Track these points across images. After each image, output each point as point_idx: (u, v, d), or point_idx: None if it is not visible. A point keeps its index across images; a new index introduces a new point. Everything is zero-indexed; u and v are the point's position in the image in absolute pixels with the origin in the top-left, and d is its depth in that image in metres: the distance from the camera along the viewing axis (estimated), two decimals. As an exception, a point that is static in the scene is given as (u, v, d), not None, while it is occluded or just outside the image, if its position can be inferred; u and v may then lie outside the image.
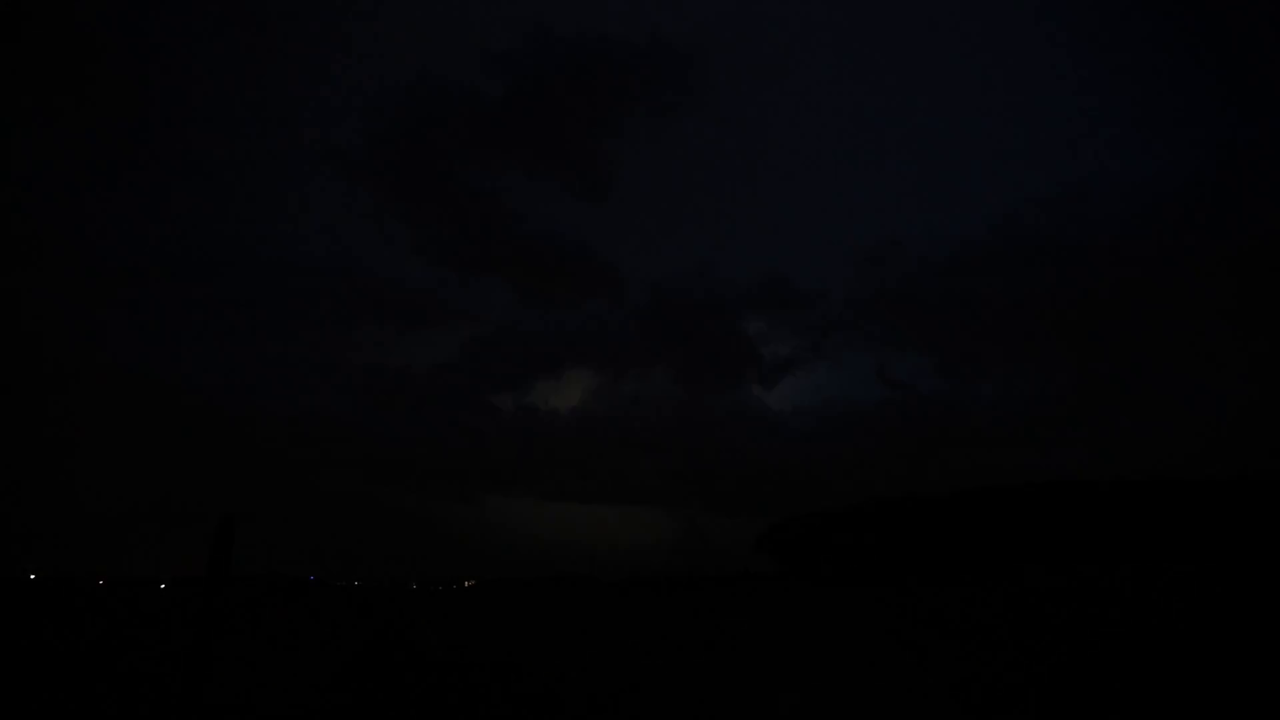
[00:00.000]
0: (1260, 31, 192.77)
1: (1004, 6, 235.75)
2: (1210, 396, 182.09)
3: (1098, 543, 55.51)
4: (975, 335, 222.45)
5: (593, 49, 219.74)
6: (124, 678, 9.66)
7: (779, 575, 79.12)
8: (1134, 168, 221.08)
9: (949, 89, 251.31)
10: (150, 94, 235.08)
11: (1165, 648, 11.50)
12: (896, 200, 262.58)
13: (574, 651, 13.26)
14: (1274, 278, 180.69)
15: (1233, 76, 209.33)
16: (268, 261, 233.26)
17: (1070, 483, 66.45)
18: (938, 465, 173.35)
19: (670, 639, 15.11)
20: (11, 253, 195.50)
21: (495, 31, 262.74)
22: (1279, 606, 17.78)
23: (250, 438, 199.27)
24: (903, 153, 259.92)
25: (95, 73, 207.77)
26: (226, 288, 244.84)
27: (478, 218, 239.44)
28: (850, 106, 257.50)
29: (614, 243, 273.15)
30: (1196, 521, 53.00)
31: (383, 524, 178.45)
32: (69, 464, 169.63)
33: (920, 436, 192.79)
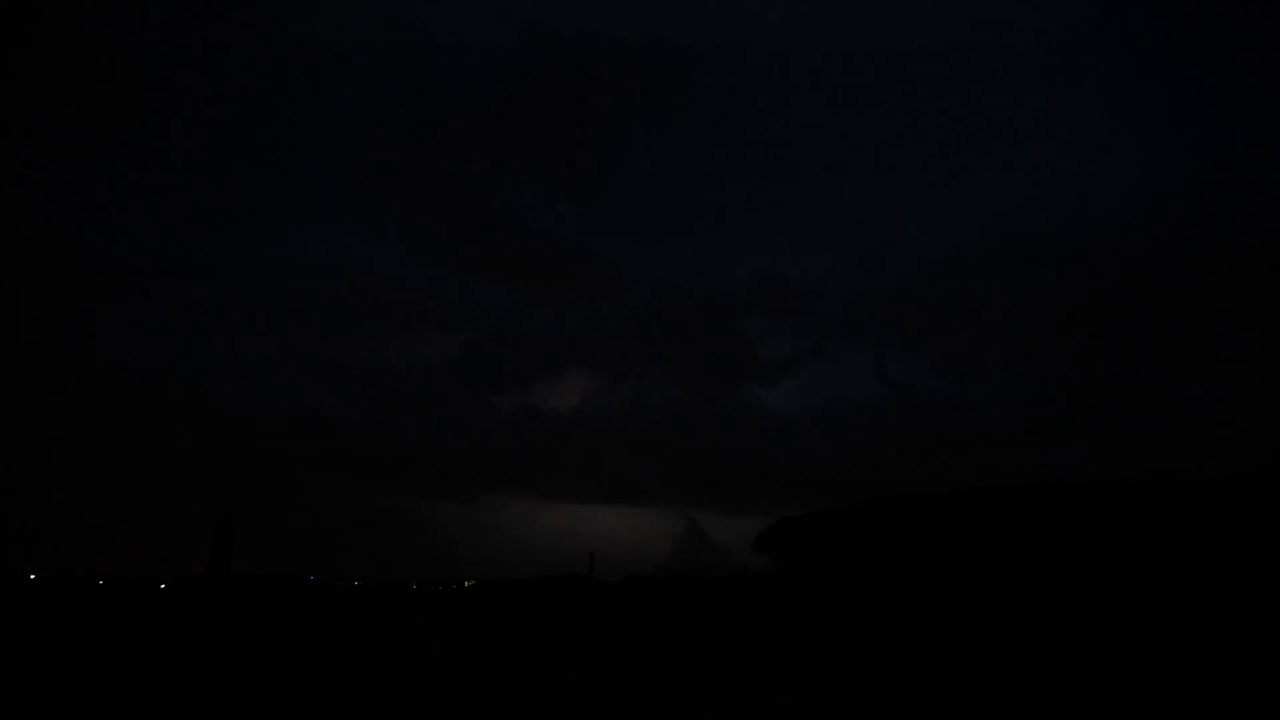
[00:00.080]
0: (1259, 32, 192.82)
1: (1003, 7, 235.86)
2: (1210, 396, 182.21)
3: (1098, 543, 55.49)
4: (975, 335, 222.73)
5: (592, 49, 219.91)
6: (124, 678, 9.66)
7: (779, 575, 79.12)
8: (1133, 168, 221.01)
9: (949, 89, 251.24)
10: (150, 94, 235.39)
11: (1165, 648, 11.50)
12: (896, 200, 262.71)
13: (574, 651, 13.26)
14: (1273, 278, 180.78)
15: (1231, 77, 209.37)
16: (268, 261, 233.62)
17: (1070, 483, 66.48)
18: (938, 465, 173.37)
19: (670, 639, 15.10)
20: (12, 253, 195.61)
21: (495, 32, 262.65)
22: (1279, 606, 17.78)
23: (250, 438, 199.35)
24: (902, 153, 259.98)
25: (96, 74, 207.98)
26: (226, 288, 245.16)
27: (478, 218, 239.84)
28: (850, 106, 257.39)
29: (614, 243, 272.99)
30: (1196, 521, 52.98)
31: (383, 524, 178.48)
32: (69, 464, 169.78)
33: (920, 436, 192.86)
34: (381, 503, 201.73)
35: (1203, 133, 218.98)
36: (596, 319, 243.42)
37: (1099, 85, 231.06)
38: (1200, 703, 7.57)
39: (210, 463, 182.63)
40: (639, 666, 11.02)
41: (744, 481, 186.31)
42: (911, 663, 10.77)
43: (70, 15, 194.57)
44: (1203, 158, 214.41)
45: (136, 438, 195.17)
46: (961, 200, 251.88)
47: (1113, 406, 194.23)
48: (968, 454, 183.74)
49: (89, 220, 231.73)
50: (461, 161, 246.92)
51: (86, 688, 8.88)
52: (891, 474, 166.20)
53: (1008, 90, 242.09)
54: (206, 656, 6.72)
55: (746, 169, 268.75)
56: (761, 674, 10.10)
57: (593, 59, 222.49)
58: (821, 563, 74.26)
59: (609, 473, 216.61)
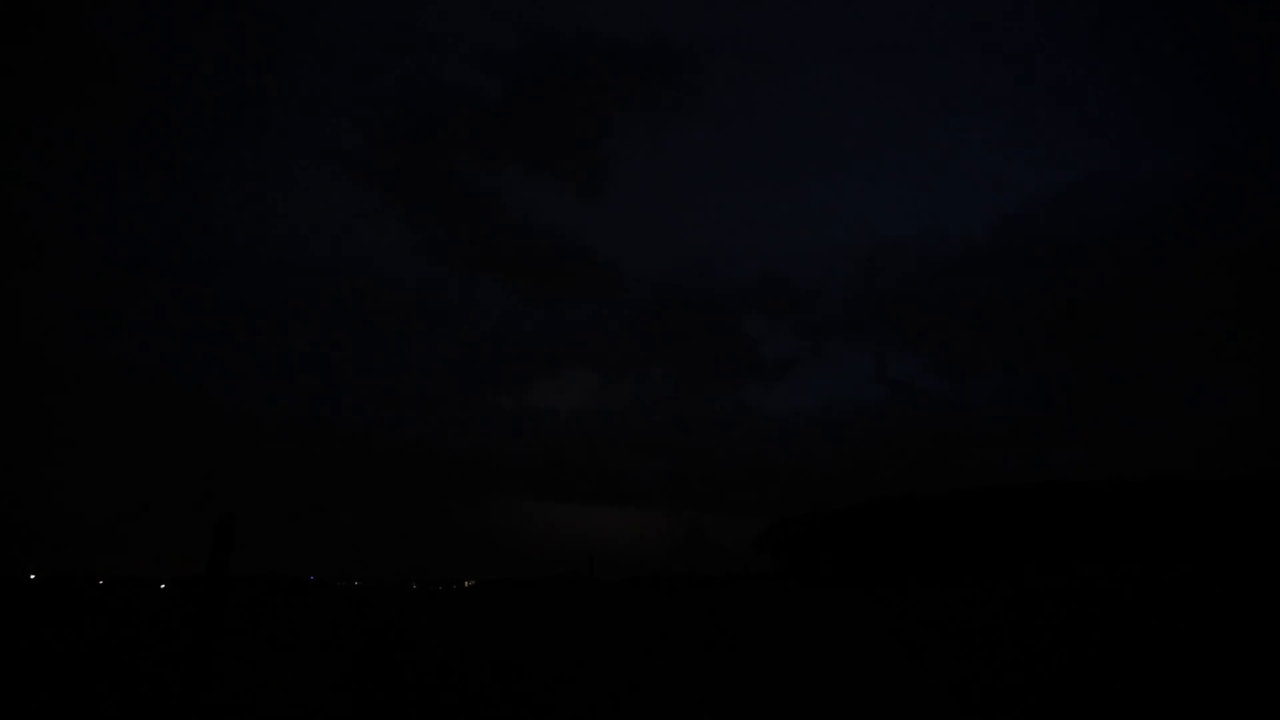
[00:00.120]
0: (1258, 34, 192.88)
1: (1003, 7, 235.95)
2: (1210, 396, 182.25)
3: (1098, 543, 55.51)
4: (975, 335, 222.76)
5: (592, 49, 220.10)
6: (124, 678, 9.66)
7: (779, 575, 79.13)
8: (1133, 168, 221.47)
9: (949, 89, 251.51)
10: (150, 94, 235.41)
11: (1165, 648, 11.50)
12: (896, 200, 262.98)
13: (574, 651, 13.26)
14: (1273, 278, 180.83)
15: (1231, 78, 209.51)
16: (268, 261, 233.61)
17: (1070, 483, 66.48)
18: (938, 465, 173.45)
19: (670, 639, 15.10)
20: (12, 253, 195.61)
21: (495, 31, 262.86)
22: (1279, 606, 17.78)
23: (250, 438, 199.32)
24: (902, 153, 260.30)
25: (96, 74, 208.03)
26: (227, 288, 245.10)
27: (478, 217, 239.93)
28: (850, 106, 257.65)
29: (614, 242, 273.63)
30: (1196, 521, 53.00)
31: (383, 524, 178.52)
32: (69, 464, 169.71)
33: (920, 436, 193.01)
34: (382, 503, 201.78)
35: (1203, 133, 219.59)
36: (596, 319, 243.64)
37: (1099, 86, 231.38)
38: (1200, 702, 7.57)
39: (210, 463, 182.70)
40: (639, 666, 11.02)
41: (744, 481, 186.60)
42: (911, 663, 10.77)
43: (70, 15, 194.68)
44: (1203, 158, 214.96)
45: (136, 438, 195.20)
46: (962, 200, 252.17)
47: (1113, 406, 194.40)
48: (968, 454, 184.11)
49: (89, 220, 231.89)
50: (461, 161, 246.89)
51: (86, 688, 8.88)
52: (891, 474, 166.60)
53: (1009, 90, 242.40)
54: (206, 656, 6.72)
55: (746, 169, 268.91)
56: (761, 674, 10.10)
57: (593, 59, 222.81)
58: (821, 563, 74.27)
59: (609, 473, 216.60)
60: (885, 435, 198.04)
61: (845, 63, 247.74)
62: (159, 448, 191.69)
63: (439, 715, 7.66)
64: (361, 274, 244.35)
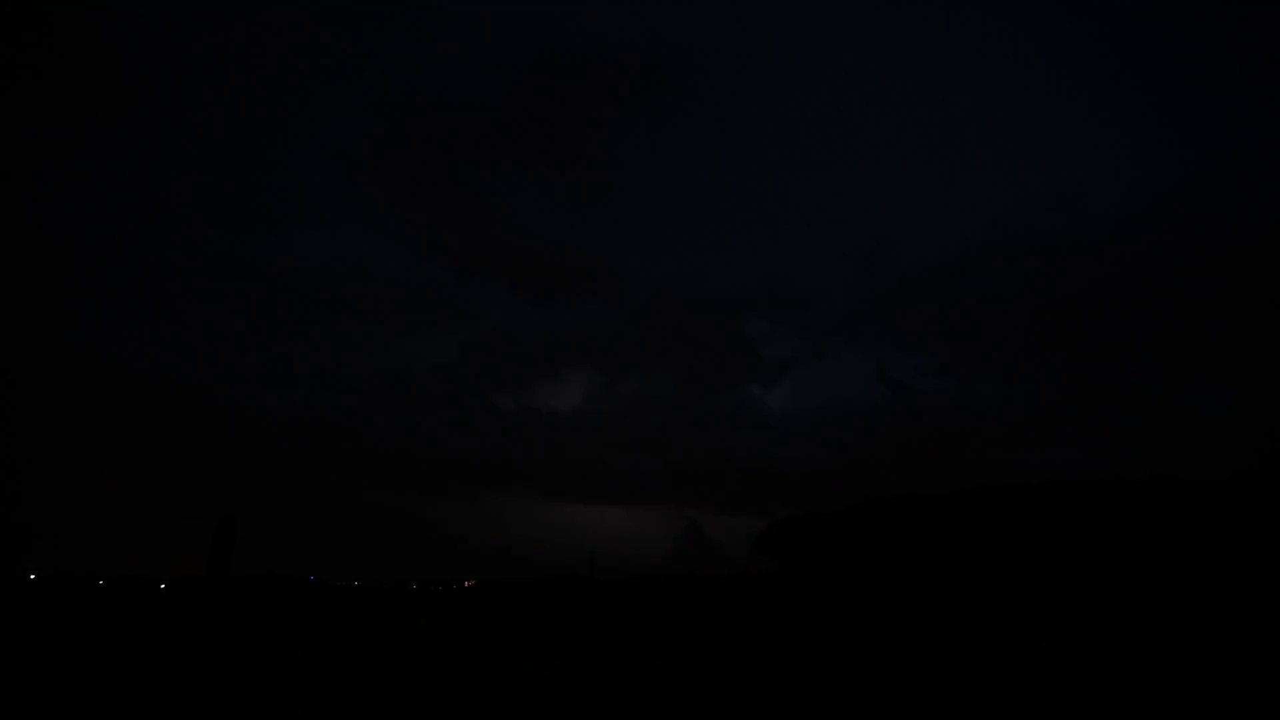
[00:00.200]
0: (1256, 34, 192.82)
1: (1001, 8, 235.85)
2: (1210, 396, 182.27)
3: (1098, 543, 55.47)
4: (975, 335, 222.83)
5: (591, 52, 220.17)
6: (124, 678, 9.66)
7: (779, 575, 79.10)
8: (1131, 168, 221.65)
9: (948, 90, 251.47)
10: (151, 96, 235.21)
11: (1165, 648, 11.50)
12: (896, 200, 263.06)
13: (574, 651, 13.26)
14: (1273, 277, 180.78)
15: (1228, 78, 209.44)
16: (268, 261, 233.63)
17: (1070, 483, 66.36)
18: (938, 465, 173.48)
19: (670, 639, 15.10)
20: (13, 253, 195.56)
21: (496, 33, 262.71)
22: (1279, 606, 17.78)
23: (250, 438, 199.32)
24: (902, 153, 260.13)
25: (97, 75, 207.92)
26: (227, 288, 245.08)
27: (478, 218, 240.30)
28: (850, 107, 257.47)
29: (614, 243, 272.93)
30: (1196, 521, 52.97)
31: (383, 524, 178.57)
32: (69, 464, 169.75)
33: (920, 436, 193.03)
34: (382, 503, 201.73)
35: (1203, 133, 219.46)
36: (596, 319, 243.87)
37: (1098, 87, 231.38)
38: (1200, 702, 7.57)
39: (210, 463, 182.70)
40: (639, 666, 11.02)
41: (744, 481, 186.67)
42: (911, 663, 10.77)
43: (71, 18, 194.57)
44: (1202, 158, 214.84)
45: (137, 437, 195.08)
46: (961, 200, 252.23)
47: (1113, 406, 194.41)
48: (968, 454, 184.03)
49: (89, 220, 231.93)
50: (462, 163, 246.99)
51: (86, 688, 8.87)
52: (891, 474, 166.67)
53: (1007, 91, 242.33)
54: (206, 656, 6.73)
55: (746, 169, 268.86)
56: (761, 674, 10.10)
57: (593, 60, 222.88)
58: (821, 563, 74.23)
59: (609, 473, 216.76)
60: (885, 435, 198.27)
61: (844, 64, 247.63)
62: (160, 448, 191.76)
63: (439, 715, 7.65)
64: (362, 274, 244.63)
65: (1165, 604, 20.24)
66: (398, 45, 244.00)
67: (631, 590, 62.92)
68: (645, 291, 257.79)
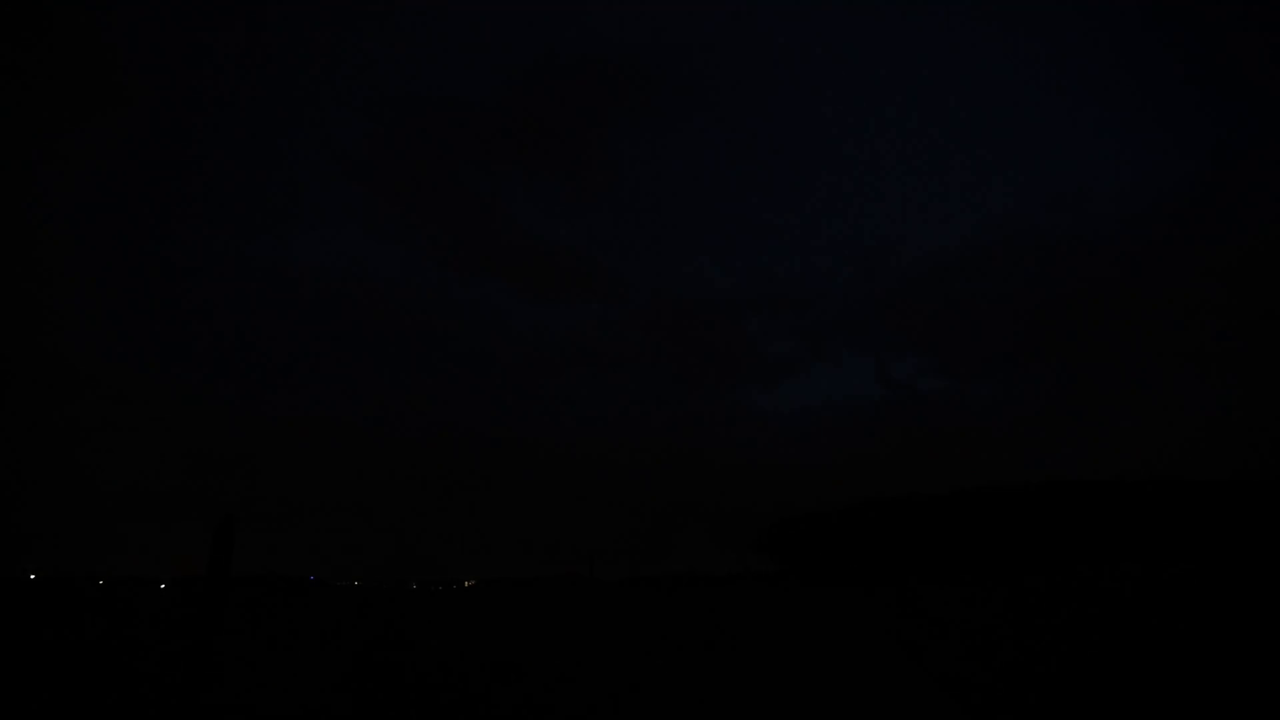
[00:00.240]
0: (1255, 35, 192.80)
1: (1001, 9, 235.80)
2: (1210, 396, 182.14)
3: (1098, 543, 55.46)
4: (974, 335, 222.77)
5: (591, 52, 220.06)
6: (124, 678, 9.66)
7: (779, 575, 79.12)
8: (1131, 168, 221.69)
9: (948, 90, 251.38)
10: (151, 96, 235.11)
11: (1165, 648, 11.50)
12: (896, 200, 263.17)
13: (574, 651, 13.26)
14: (1272, 277, 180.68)
15: (1228, 78, 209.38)
16: (269, 263, 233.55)
17: (1070, 483, 66.38)
18: (938, 465, 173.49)
19: (670, 639, 15.10)
20: (13, 253, 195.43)
21: (495, 35, 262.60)
22: (1279, 606, 17.78)
23: (250, 438, 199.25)
24: (902, 154, 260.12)
25: (98, 75, 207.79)
26: (225, 288, 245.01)
27: (478, 218, 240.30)
28: (850, 109, 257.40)
29: (614, 243, 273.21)
30: (1196, 521, 52.97)
31: (383, 524, 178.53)
32: (69, 464, 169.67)
33: (920, 436, 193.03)
34: (382, 501, 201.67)
35: (1203, 133, 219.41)
36: (597, 320, 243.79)
37: (1098, 88, 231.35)
38: (1200, 702, 7.57)
39: (210, 463, 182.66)
40: (639, 666, 11.02)
41: (744, 481, 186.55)
42: (911, 663, 10.77)
43: (71, 18, 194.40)
44: (1202, 158, 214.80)
45: (136, 438, 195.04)
46: (961, 200, 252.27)
47: (1113, 406, 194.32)
48: (968, 454, 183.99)
49: (90, 220, 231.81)
50: (463, 164, 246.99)
51: (86, 688, 8.87)
52: (891, 474, 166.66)
53: (1007, 92, 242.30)
54: (206, 656, 6.72)
55: (746, 169, 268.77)
56: (761, 674, 10.10)
57: (593, 60, 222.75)
58: (821, 563, 74.21)
59: (609, 472, 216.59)
60: (885, 435, 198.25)
61: (844, 65, 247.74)
62: (159, 447, 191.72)
63: (439, 715, 7.65)
64: (362, 274, 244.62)
65: (1165, 604, 20.24)
66: (398, 45, 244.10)
67: (631, 590, 62.90)
68: (645, 291, 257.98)
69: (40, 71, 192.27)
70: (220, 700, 7.93)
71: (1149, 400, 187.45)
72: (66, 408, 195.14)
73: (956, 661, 10.75)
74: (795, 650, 12.59)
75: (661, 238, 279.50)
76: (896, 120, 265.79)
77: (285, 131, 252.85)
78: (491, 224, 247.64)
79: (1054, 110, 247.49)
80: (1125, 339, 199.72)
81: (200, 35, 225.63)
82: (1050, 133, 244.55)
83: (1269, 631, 13.14)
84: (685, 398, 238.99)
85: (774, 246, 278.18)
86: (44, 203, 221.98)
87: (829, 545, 74.61)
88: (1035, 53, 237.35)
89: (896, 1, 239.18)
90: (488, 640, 15.68)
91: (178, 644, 12.76)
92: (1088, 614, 18.08)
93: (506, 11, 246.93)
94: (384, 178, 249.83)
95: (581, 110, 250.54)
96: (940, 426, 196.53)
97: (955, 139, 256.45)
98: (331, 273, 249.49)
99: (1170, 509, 55.35)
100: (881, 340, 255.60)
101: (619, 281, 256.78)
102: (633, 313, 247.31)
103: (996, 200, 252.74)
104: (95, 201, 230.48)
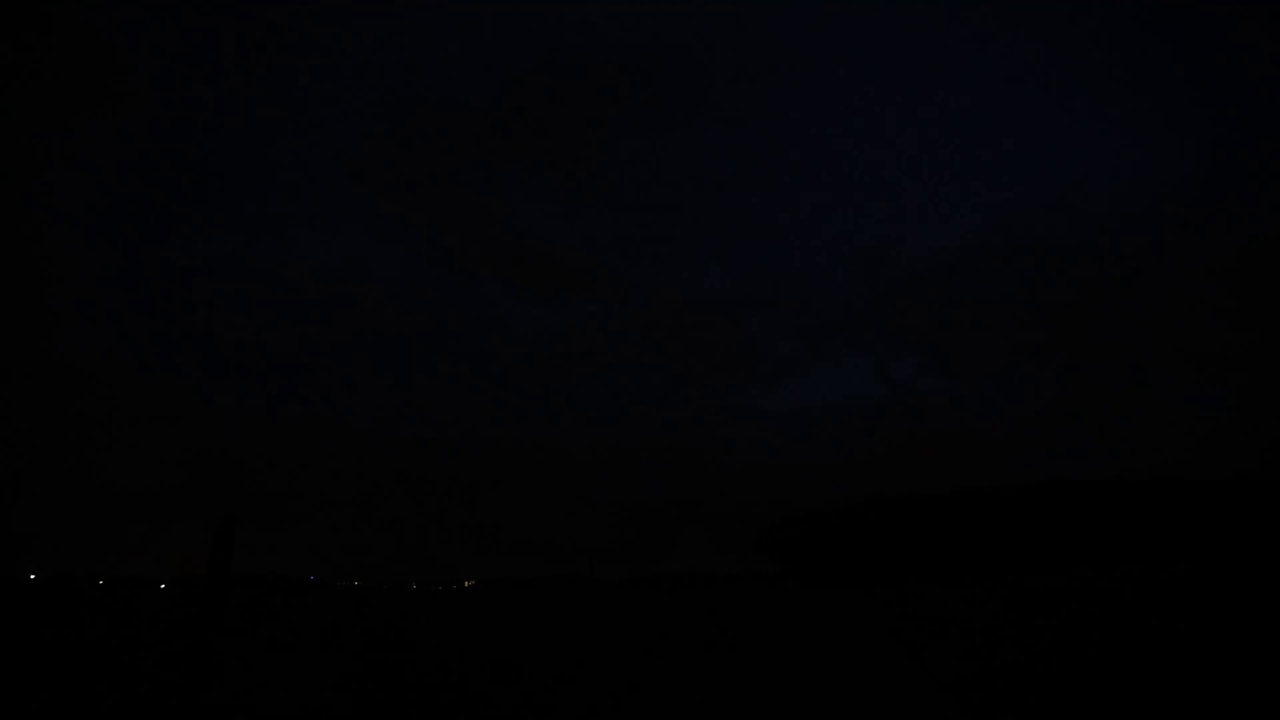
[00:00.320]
0: (1254, 35, 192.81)
1: (1001, 8, 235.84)
2: (1210, 396, 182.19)
3: (1098, 543, 55.47)
4: (974, 335, 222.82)
5: (591, 52, 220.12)
6: (124, 678, 9.66)
7: (779, 575, 79.15)
8: (1131, 168, 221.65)
9: (948, 90, 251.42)
10: (154, 97, 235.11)
11: (1165, 648, 11.50)
12: (896, 200, 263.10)
13: (574, 651, 13.25)
14: (1272, 277, 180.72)
15: (1228, 78, 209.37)
16: (269, 263, 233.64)
17: (1070, 483, 66.38)
18: (938, 465, 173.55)
19: (670, 639, 15.10)
20: (13, 253, 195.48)
21: (496, 34, 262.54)
22: (1279, 606, 17.78)
23: (250, 438, 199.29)
24: (902, 153, 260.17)
25: (98, 75, 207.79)
26: (226, 288, 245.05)
27: (478, 218, 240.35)
28: (850, 108, 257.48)
29: (614, 243, 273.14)
30: (1196, 521, 52.97)
31: (383, 524, 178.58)
32: (69, 464, 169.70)
33: (920, 436, 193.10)
34: (383, 503, 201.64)
35: (1203, 133, 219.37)
36: (596, 319, 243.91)
37: (1097, 87, 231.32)
38: (1200, 702, 7.57)
39: (210, 463, 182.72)
40: (639, 666, 11.02)
41: (744, 481, 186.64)
42: (911, 663, 10.77)
43: (71, 18, 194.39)
44: (1202, 158, 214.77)
45: (136, 438, 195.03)
46: (961, 200, 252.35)
47: (1113, 406, 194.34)
48: (968, 454, 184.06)
49: (90, 221, 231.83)
50: (462, 164, 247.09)
51: (86, 688, 8.87)
52: (891, 474, 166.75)
53: (1006, 92, 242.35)
54: (206, 656, 6.72)
55: (746, 169, 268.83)
56: (762, 674, 10.10)
57: (592, 60, 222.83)
58: (821, 563, 74.21)
59: (609, 472, 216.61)
60: (885, 435, 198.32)
61: (844, 64, 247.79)
62: (159, 447, 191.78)
63: (439, 715, 7.65)
64: (361, 274, 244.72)
65: (1165, 604, 20.24)
66: (398, 45, 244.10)
67: (631, 590, 62.90)
68: (645, 291, 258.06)
69: (40, 71, 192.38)
70: (220, 700, 7.93)
71: (1149, 400, 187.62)
72: (67, 408, 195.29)
73: (956, 661, 10.75)
74: (795, 650, 12.59)
75: (661, 238, 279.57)
76: (897, 120, 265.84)
77: (285, 132, 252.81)
78: (491, 224, 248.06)
79: (1054, 110, 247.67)
80: (1125, 339, 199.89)
81: (200, 35, 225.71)
82: (1050, 132, 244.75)
83: (1269, 631, 13.14)
84: (685, 398, 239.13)
85: (774, 246, 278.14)
86: (45, 203, 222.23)
87: (829, 545, 74.61)
88: (1035, 52, 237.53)
89: (897, 1, 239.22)
90: (488, 640, 15.68)
91: (178, 644, 12.76)
92: (1088, 614, 18.08)
93: (506, 12, 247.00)
94: (384, 178, 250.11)
95: (581, 110, 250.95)
96: (940, 426, 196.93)
97: (955, 139, 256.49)
98: (331, 273, 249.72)
99: (1170, 509, 55.36)
100: (881, 340, 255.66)
101: (619, 281, 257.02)
102: (633, 313, 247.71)
103: (996, 200, 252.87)
104: (96, 202, 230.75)
